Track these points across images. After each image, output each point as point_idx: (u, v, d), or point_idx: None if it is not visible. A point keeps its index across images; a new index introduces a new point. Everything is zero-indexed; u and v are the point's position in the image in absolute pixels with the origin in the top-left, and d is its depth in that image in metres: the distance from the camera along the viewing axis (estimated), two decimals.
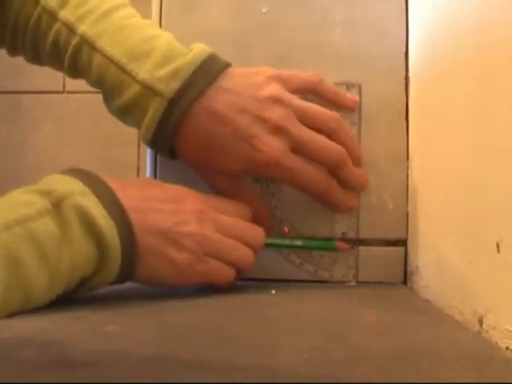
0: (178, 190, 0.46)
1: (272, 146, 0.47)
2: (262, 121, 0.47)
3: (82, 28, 0.49)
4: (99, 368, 0.25)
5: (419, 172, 0.49)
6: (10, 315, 0.36)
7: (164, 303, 0.42)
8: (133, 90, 0.47)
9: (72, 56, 0.50)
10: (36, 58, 0.54)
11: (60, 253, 0.38)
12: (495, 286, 0.31)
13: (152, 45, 0.48)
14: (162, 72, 0.47)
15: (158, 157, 0.55)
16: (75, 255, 0.39)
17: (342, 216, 0.52)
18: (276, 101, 0.48)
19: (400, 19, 0.53)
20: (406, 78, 0.53)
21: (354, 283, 0.52)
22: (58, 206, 0.39)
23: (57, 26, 0.50)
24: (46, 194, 0.39)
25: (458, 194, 0.38)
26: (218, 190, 0.51)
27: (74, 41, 0.49)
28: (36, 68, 0.58)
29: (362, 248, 0.52)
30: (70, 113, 1.11)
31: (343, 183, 0.51)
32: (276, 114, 0.47)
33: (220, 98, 0.47)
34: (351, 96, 0.52)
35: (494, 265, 0.31)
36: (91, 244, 0.39)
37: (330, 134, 0.49)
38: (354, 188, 0.52)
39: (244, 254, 0.47)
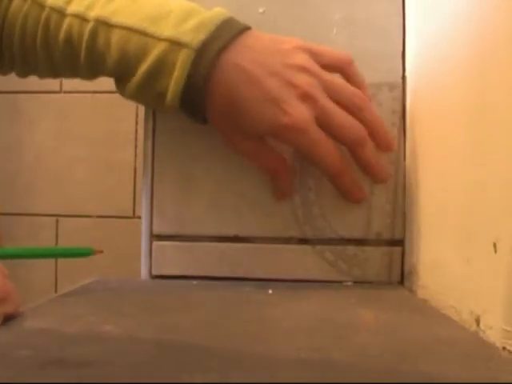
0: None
1: (300, 112, 0.46)
2: (292, 86, 0.46)
3: (94, 13, 0.48)
4: (97, 368, 0.25)
5: (416, 172, 0.49)
6: None
7: (161, 303, 0.42)
8: (158, 49, 0.47)
9: (88, 44, 0.49)
10: (50, 66, 0.53)
11: None
12: (492, 286, 0.31)
13: (169, 7, 0.48)
14: (187, 26, 0.47)
15: (155, 156, 0.55)
16: None
17: (378, 215, 0.52)
18: (305, 70, 0.47)
19: (397, 18, 0.53)
20: (403, 78, 0.53)
21: (350, 283, 0.52)
22: None
23: (67, 21, 0.49)
24: None
25: (455, 193, 0.38)
26: (242, 154, 0.51)
27: (88, 27, 0.48)
28: None
29: (359, 248, 0.52)
30: (66, 112, 1.11)
31: (362, 166, 0.50)
32: (305, 81, 0.47)
33: (247, 55, 0.47)
34: (369, 93, 0.52)
35: (491, 264, 0.31)
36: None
37: (355, 112, 0.48)
38: (373, 174, 0.51)
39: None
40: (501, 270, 0.29)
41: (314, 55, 0.49)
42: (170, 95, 0.47)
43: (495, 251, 0.30)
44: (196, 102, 0.48)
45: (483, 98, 0.33)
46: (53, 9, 0.50)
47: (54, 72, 0.54)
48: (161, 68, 0.47)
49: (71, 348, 0.29)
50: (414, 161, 0.50)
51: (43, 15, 0.51)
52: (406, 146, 0.52)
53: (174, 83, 0.47)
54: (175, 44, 0.46)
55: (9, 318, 0.34)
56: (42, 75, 0.56)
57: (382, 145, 0.51)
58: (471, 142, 0.35)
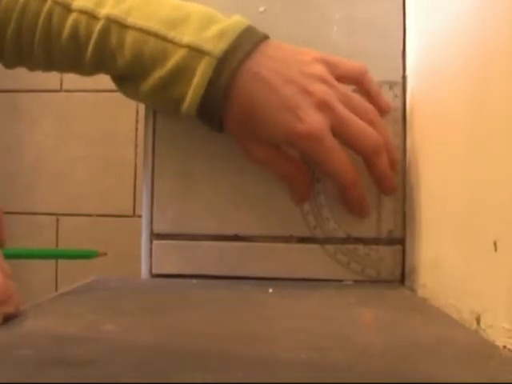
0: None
1: (316, 120, 0.46)
2: (309, 94, 0.46)
3: (105, 11, 0.48)
4: (97, 367, 0.25)
5: (416, 172, 0.49)
6: None
7: (161, 302, 0.42)
8: (178, 55, 0.46)
9: (98, 42, 0.48)
10: (47, 60, 0.52)
11: None
12: (493, 285, 0.31)
13: (186, 11, 0.48)
14: (208, 33, 0.46)
15: (155, 155, 0.54)
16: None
17: (388, 213, 0.52)
18: (321, 79, 0.47)
19: (397, 18, 0.53)
20: (404, 77, 0.53)
21: (350, 282, 0.52)
22: None
23: (73, 16, 0.48)
24: None
25: (455, 192, 0.38)
26: (257, 162, 0.51)
27: (99, 25, 0.48)
28: None
29: (359, 247, 0.52)
30: (67, 111, 1.11)
31: (375, 175, 0.50)
32: (321, 90, 0.47)
33: (266, 64, 0.47)
34: (387, 100, 0.52)
35: (491, 263, 0.31)
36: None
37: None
38: (385, 184, 0.51)
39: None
40: (501, 268, 0.29)
41: (330, 66, 0.49)
42: (187, 103, 0.47)
43: (495, 250, 0.30)
44: (214, 110, 0.47)
45: (484, 99, 0.33)
46: (56, 2, 0.49)
47: (50, 66, 0.53)
48: (179, 74, 0.46)
49: (71, 347, 0.29)
50: (414, 160, 0.50)
51: (45, 8, 0.49)
52: (406, 146, 0.52)
53: (192, 91, 0.46)
54: (196, 51, 0.46)
55: (9, 319, 0.34)
56: (33, 68, 0.55)
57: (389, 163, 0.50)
58: (471, 142, 0.35)
